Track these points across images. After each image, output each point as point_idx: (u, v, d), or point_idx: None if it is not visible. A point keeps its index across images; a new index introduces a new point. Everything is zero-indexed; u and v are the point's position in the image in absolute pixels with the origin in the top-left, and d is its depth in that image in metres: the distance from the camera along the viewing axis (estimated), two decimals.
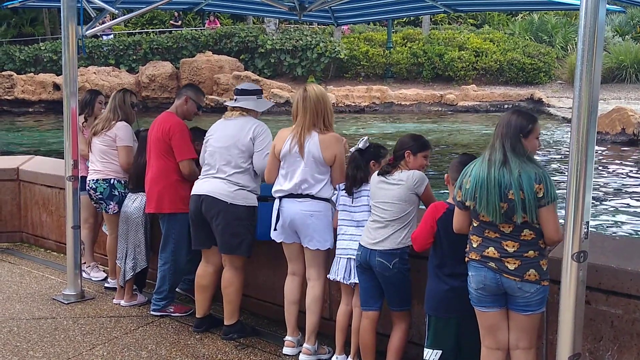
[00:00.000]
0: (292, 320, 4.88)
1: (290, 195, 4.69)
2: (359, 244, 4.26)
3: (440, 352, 3.81)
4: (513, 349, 3.57)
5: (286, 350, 4.84)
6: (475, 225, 3.57)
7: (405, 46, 29.53)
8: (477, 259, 3.55)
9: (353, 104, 25.38)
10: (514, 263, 3.44)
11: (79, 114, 6.32)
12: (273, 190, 4.79)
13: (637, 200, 10.05)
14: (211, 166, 5.07)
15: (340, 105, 24.99)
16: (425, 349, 3.89)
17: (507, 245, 3.46)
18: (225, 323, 5.15)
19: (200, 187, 5.07)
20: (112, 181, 5.97)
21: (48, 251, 7.72)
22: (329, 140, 4.61)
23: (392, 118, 23.77)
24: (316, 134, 4.60)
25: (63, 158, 6.10)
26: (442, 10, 7.05)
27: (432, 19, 33.25)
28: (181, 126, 5.41)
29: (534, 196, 3.34)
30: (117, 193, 5.96)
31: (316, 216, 4.62)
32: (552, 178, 3.41)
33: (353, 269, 4.39)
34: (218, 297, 5.29)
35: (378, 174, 4.25)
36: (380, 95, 25.63)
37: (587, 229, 3.07)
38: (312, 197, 4.63)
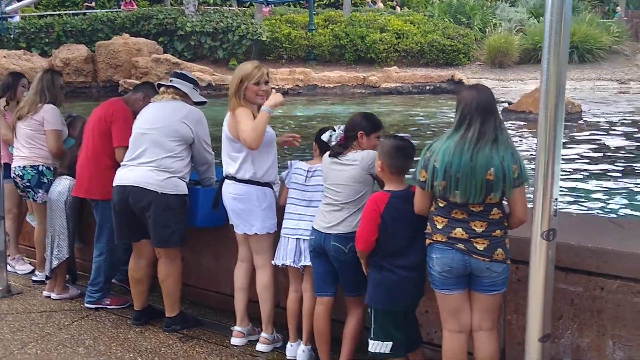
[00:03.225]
0: (241, 309, 4.67)
1: (227, 177, 4.51)
2: (313, 227, 4.09)
3: (390, 343, 3.69)
4: (476, 331, 3.50)
5: (234, 340, 4.64)
6: (441, 205, 3.43)
7: (327, 28, 29.52)
8: (443, 240, 3.43)
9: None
10: (483, 243, 3.36)
11: (0, 97, 5.90)
12: None
13: (579, 180, 10.21)
14: (136, 153, 4.74)
15: None
16: (371, 340, 3.74)
17: (475, 225, 3.37)
18: (166, 315, 4.92)
19: (125, 176, 4.73)
20: (40, 168, 5.62)
21: None
22: (232, 118, 4.40)
23: (316, 100, 23.66)
24: (229, 110, 4.43)
25: None
26: None
27: (353, 1, 33.26)
28: (127, 113, 5.12)
29: (511, 177, 3.27)
30: (45, 180, 5.61)
31: (238, 199, 4.41)
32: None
33: (303, 251, 4.23)
34: (155, 287, 5.06)
35: (330, 155, 4.08)
36: (303, 78, 25.51)
37: (557, 206, 3.00)
38: (234, 178, 4.43)
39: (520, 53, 29.51)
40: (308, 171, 4.31)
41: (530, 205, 3.19)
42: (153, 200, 4.62)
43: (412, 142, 3.77)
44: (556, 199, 3.01)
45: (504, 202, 3.40)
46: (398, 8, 35.49)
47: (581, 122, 15.84)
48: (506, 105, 16.82)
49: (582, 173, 10.60)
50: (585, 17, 32.00)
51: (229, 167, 4.45)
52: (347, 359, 4.05)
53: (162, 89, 4.99)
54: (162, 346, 4.65)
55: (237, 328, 4.69)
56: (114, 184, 4.78)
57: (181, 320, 4.92)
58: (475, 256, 3.37)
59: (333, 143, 4.11)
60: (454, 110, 3.43)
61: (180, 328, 4.88)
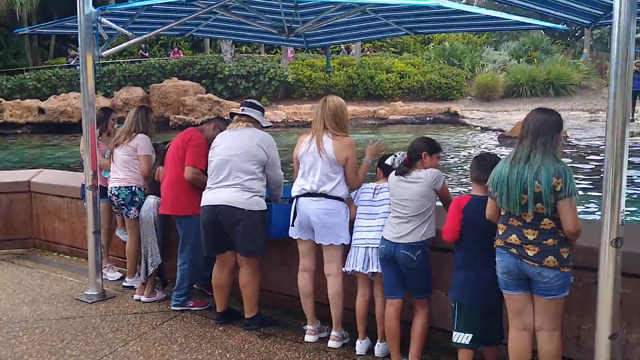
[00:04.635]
0: (310, 312, 4.48)
1: (307, 195, 4.30)
2: (382, 237, 3.90)
3: (471, 335, 3.49)
4: (538, 330, 3.28)
5: (308, 337, 4.44)
6: (502, 214, 3.30)
7: (342, 70, 29.42)
8: (501, 245, 3.27)
9: (301, 120, 25.00)
10: (533, 250, 3.16)
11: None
12: (292, 190, 4.40)
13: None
14: (221, 175, 4.56)
15: (290, 120, 24.70)
16: (454, 332, 3.56)
17: (527, 233, 3.18)
18: (246, 316, 4.72)
19: (213, 197, 4.54)
20: (133, 188, 5.47)
21: (61, 255, 7.10)
22: (343, 143, 4.26)
23: None
24: (331, 137, 4.26)
25: (67, 171, 5.54)
26: (404, 32, 6.77)
27: (362, 47, 33.24)
28: (201, 140, 4.97)
29: (552, 190, 3.07)
30: (137, 199, 5.45)
31: (330, 214, 4.24)
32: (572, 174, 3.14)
33: (371, 258, 4.03)
34: (233, 291, 4.86)
35: (396, 174, 3.91)
36: None
37: (624, 216, 2.80)
38: (326, 195, 4.25)
39: (504, 89, 29.35)
40: (375, 189, 4.16)
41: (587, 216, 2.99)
42: (242, 217, 4.44)
43: (495, 157, 3.63)
44: (623, 210, 2.81)
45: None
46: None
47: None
48: (500, 133, 16.64)
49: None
50: (558, 59, 31.88)
51: (323, 186, 4.25)
52: (416, 355, 3.84)
53: (235, 117, 4.82)
54: (245, 343, 4.45)
55: (309, 327, 4.48)
56: (203, 204, 4.60)
57: (259, 320, 4.72)
58: (526, 261, 3.18)
59: (397, 165, 3.96)
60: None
61: (259, 327, 4.68)
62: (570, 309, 3.60)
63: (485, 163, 3.54)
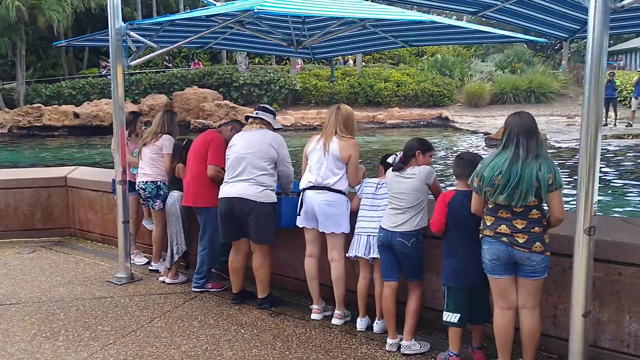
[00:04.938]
0: (316, 293, 4.51)
1: (313, 187, 4.32)
2: (381, 226, 3.91)
3: (459, 315, 3.51)
4: (521, 308, 3.29)
5: (314, 316, 4.48)
6: (490, 207, 3.27)
7: (345, 80, 29.40)
8: (491, 234, 3.25)
9: (308, 124, 25.03)
10: (523, 237, 3.17)
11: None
12: (300, 183, 4.42)
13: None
14: (236, 171, 4.60)
15: (298, 125, 24.69)
16: (445, 312, 3.58)
17: (516, 223, 3.18)
18: (258, 296, 4.74)
19: (230, 190, 4.58)
20: (158, 183, 5.49)
21: (94, 242, 7.12)
22: (347, 144, 4.28)
23: None
24: (338, 138, 4.29)
25: (101, 168, 5.57)
26: (400, 45, 6.76)
27: (363, 59, 33.17)
28: (221, 140, 4.98)
29: (546, 184, 3.08)
30: (162, 193, 5.48)
31: (332, 205, 4.26)
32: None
33: (372, 245, 4.04)
34: (247, 274, 4.89)
35: (393, 170, 3.92)
36: None
37: (596, 207, 2.80)
38: (329, 188, 4.27)
39: (491, 96, 29.25)
40: (377, 184, 4.16)
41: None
42: (254, 208, 4.46)
43: (473, 155, 3.64)
44: (596, 202, 2.82)
45: (544, 205, 3.21)
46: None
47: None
48: (486, 135, 16.61)
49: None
50: (539, 69, 31.74)
51: (327, 179, 4.27)
52: (409, 331, 3.85)
53: (250, 119, 4.85)
54: (258, 320, 4.47)
55: (314, 306, 4.51)
56: (220, 196, 4.63)
57: (270, 300, 4.74)
58: (517, 247, 3.18)
59: (389, 161, 3.98)
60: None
61: (270, 306, 4.70)
62: (549, 291, 3.61)
63: (464, 161, 3.57)
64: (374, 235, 4.02)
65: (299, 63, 31.24)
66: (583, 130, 2.87)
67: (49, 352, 3.94)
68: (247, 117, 4.91)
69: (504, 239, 3.21)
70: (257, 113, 4.82)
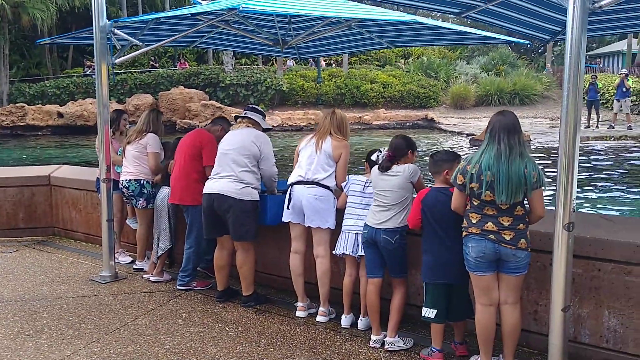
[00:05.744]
0: (300, 290, 4.53)
1: (302, 182, 4.35)
2: (365, 224, 3.94)
3: (436, 310, 3.55)
4: (503, 304, 3.33)
5: (299, 313, 4.49)
6: (475, 204, 3.29)
7: (331, 81, 29.37)
8: (477, 232, 3.28)
9: (294, 124, 25.05)
10: (510, 234, 3.21)
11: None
12: (290, 178, 4.45)
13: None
14: (219, 168, 4.63)
15: (284, 125, 24.69)
16: (423, 307, 3.62)
17: (502, 220, 3.22)
18: (243, 294, 4.75)
19: (211, 186, 4.61)
20: (142, 181, 5.46)
21: (77, 242, 7.08)
22: (339, 144, 4.37)
23: None
24: (332, 138, 4.36)
25: (85, 167, 5.53)
26: (386, 46, 6.81)
27: (349, 60, 33.22)
28: (213, 140, 4.98)
29: (531, 181, 3.13)
30: (145, 191, 5.46)
31: (320, 199, 4.29)
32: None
33: (360, 243, 4.06)
34: (232, 273, 4.89)
35: (379, 169, 3.94)
36: (314, 117, 25.25)
37: (575, 204, 2.85)
38: (318, 184, 4.30)
39: (475, 98, 29.41)
40: (365, 182, 4.17)
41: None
42: (233, 205, 4.48)
43: (446, 153, 3.71)
44: (575, 199, 2.86)
45: (526, 202, 3.25)
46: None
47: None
48: (470, 136, 16.71)
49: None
50: (523, 72, 32.01)
51: (317, 174, 4.31)
52: (393, 328, 3.87)
53: (238, 119, 4.86)
54: (242, 318, 4.48)
55: (299, 304, 4.53)
56: (203, 192, 4.64)
57: (255, 298, 4.74)
58: (504, 244, 3.22)
59: (380, 160, 3.99)
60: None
61: (255, 304, 4.71)
62: (530, 287, 3.66)
63: (437, 159, 3.65)
64: (361, 233, 4.05)
65: (292, 63, 31.18)
66: (562, 127, 2.91)
67: (32, 349, 3.91)
68: (236, 117, 4.93)
69: (491, 236, 3.24)
70: (246, 113, 4.84)
